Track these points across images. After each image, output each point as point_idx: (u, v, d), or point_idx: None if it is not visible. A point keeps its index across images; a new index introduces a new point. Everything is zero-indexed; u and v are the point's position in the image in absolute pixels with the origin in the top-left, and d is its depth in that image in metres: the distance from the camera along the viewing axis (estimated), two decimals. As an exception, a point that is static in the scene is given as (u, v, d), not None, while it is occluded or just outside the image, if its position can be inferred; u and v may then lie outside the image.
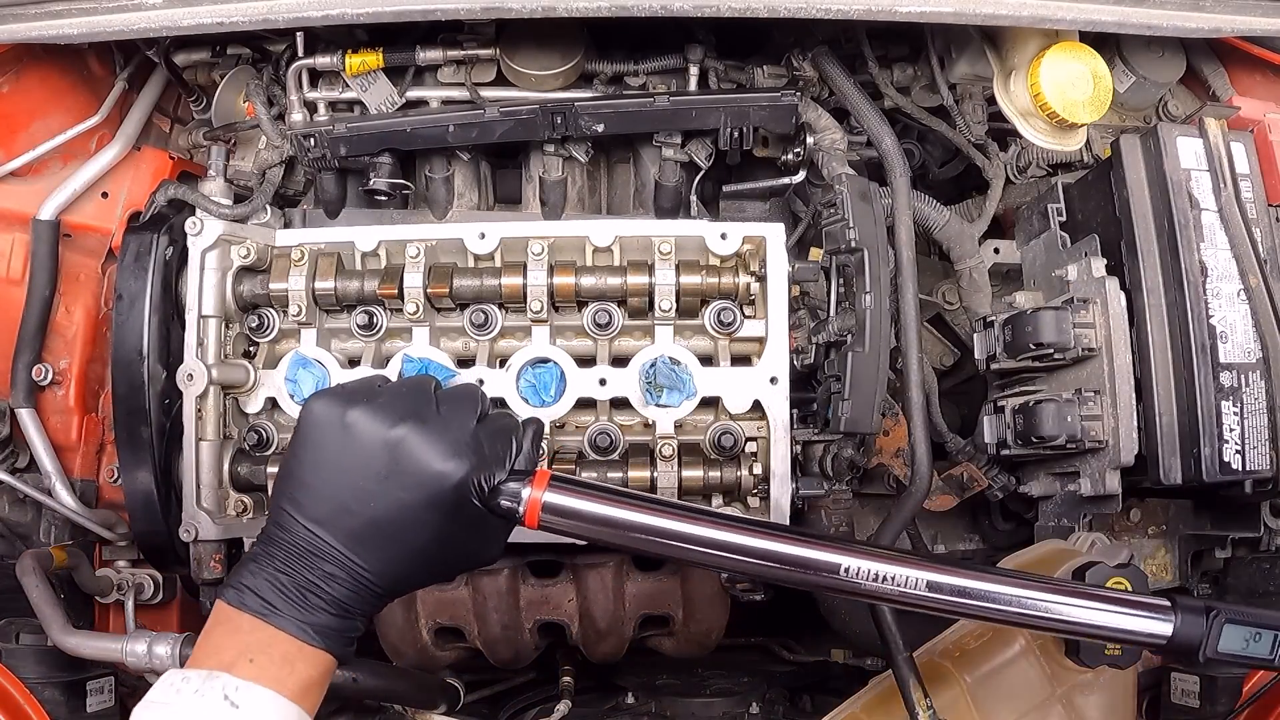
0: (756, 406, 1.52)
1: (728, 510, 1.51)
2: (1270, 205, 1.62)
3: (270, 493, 1.08)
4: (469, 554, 1.16)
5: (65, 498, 1.69)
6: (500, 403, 1.54)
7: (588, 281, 1.53)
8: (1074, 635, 1.22)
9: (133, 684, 1.74)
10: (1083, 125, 1.61)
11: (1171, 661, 1.41)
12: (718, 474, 1.50)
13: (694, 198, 1.83)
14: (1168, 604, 1.17)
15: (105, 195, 1.75)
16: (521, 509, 1.10)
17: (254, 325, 1.58)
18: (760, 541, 1.12)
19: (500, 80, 1.74)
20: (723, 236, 1.54)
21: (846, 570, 1.12)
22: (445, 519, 1.07)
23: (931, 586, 1.12)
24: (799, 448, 1.64)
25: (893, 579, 1.12)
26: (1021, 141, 1.72)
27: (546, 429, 1.52)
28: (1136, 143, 1.63)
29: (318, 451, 1.07)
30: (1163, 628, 1.16)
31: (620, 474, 1.49)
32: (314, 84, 1.75)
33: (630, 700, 1.93)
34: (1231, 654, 1.17)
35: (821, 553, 1.12)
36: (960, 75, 1.74)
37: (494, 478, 1.09)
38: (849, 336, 1.53)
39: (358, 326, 1.55)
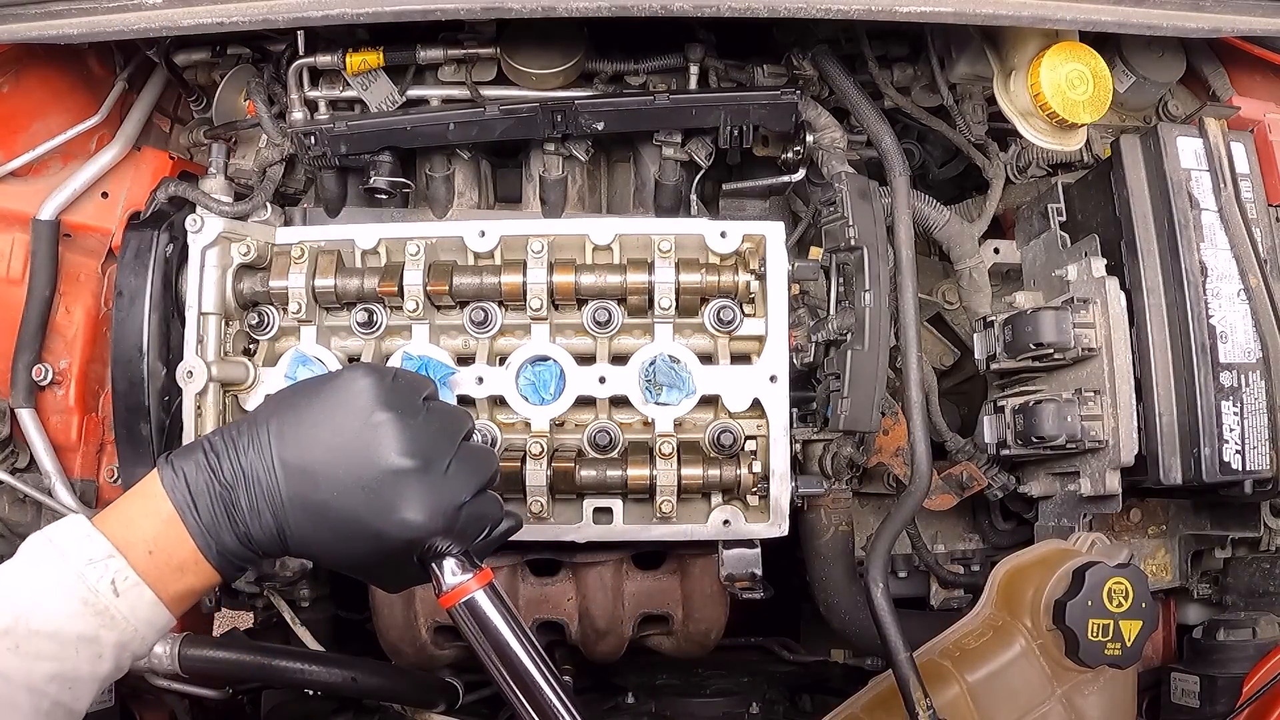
0: (756, 405, 1.52)
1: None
2: (1270, 205, 1.62)
3: (260, 415, 1.09)
4: (378, 577, 1.19)
5: (65, 498, 1.69)
6: (500, 401, 1.54)
7: (587, 280, 1.53)
8: None
9: (132, 683, 1.74)
10: (1083, 125, 1.61)
11: None
12: (717, 472, 1.50)
13: (694, 196, 1.84)
14: None
15: (105, 195, 1.75)
16: (445, 588, 1.11)
17: (254, 323, 1.58)
18: None
19: (500, 79, 1.74)
20: (722, 235, 1.54)
21: None
22: (382, 549, 1.07)
23: None
24: (798, 446, 1.64)
25: None
26: (1021, 141, 1.72)
27: (547, 427, 1.52)
28: (1136, 143, 1.63)
29: (331, 419, 1.06)
30: None
31: (619, 472, 1.49)
32: (314, 83, 1.75)
33: (630, 700, 1.92)
34: None
35: None
36: (960, 75, 1.74)
37: (449, 549, 1.09)
38: (848, 335, 1.53)
39: (358, 324, 1.55)
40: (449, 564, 1.11)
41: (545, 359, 1.54)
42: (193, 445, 1.08)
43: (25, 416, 1.68)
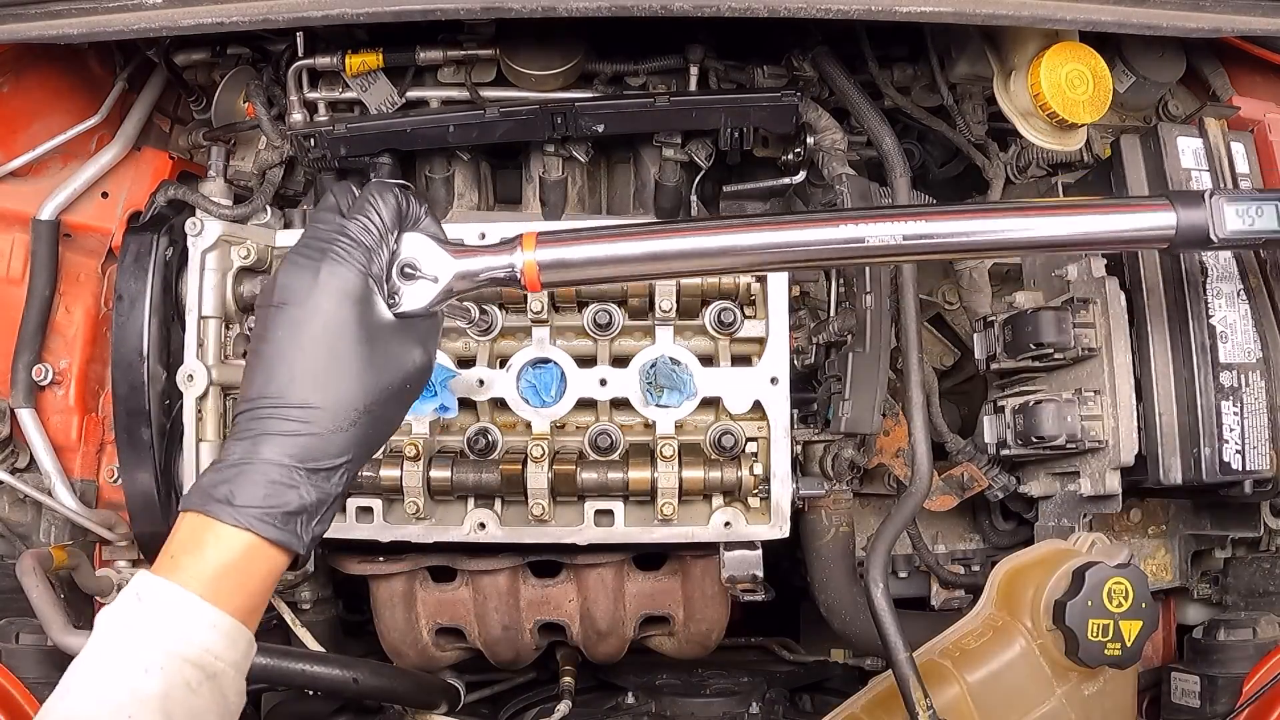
0: (757, 407, 1.52)
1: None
2: (1270, 205, 1.62)
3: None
4: (398, 365, 1.08)
5: (65, 498, 1.69)
6: (501, 403, 1.54)
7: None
8: (1083, 247, 1.20)
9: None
10: (1083, 125, 1.60)
11: (1184, 249, 1.30)
12: (718, 474, 1.50)
13: (694, 198, 1.83)
14: (1165, 200, 1.16)
15: (105, 195, 1.75)
16: (518, 273, 1.08)
17: (254, 326, 1.58)
18: (743, 237, 1.11)
19: (500, 80, 1.73)
20: (723, 236, 1.54)
21: (842, 240, 1.10)
22: (354, 327, 1.02)
23: (930, 229, 1.11)
24: (799, 448, 1.64)
25: (898, 234, 1.10)
26: (1021, 141, 1.72)
27: (547, 429, 1.52)
28: (1136, 143, 1.63)
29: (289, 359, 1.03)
30: (1166, 219, 1.14)
31: (621, 474, 1.49)
32: (314, 84, 1.75)
33: (630, 700, 1.93)
34: (1240, 233, 1.15)
35: (811, 231, 1.11)
36: (960, 75, 1.73)
37: (385, 259, 1.06)
38: (849, 336, 1.54)
39: (358, 326, 1.55)
40: (494, 263, 1.08)
41: (546, 361, 1.54)
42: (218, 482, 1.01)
43: (25, 416, 1.68)
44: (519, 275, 1.09)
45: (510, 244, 1.11)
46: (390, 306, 1.07)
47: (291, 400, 1.00)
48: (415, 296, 1.09)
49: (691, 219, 1.12)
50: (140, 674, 0.91)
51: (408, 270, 1.09)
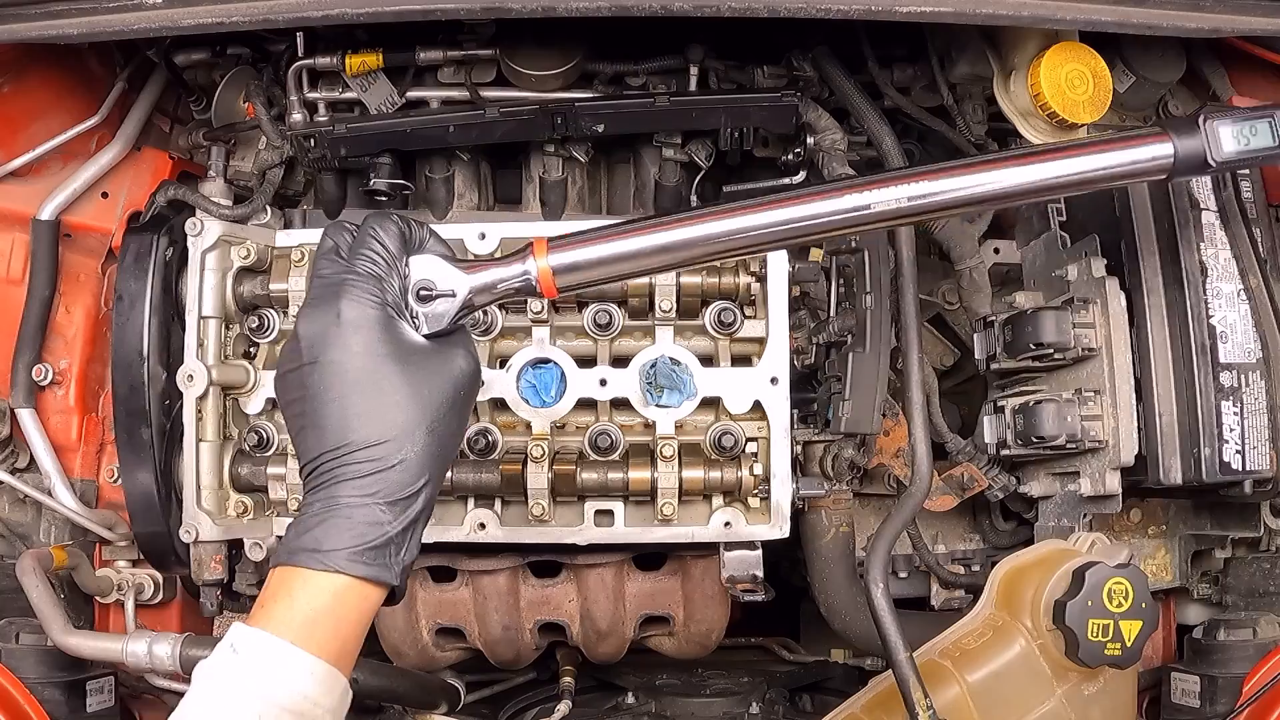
0: (757, 407, 1.52)
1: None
2: (1270, 205, 1.62)
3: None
4: (445, 377, 1.08)
5: (65, 498, 1.69)
6: (501, 404, 1.54)
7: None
8: (1082, 187, 1.19)
9: (132, 684, 1.74)
10: (1083, 125, 1.60)
11: (1184, 176, 1.28)
12: (718, 474, 1.50)
13: (694, 198, 1.83)
14: (1159, 129, 1.17)
15: (105, 195, 1.75)
16: (534, 280, 1.08)
17: (254, 326, 1.58)
18: (750, 218, 1.12)
19: (500, 80, 1.73)
20: (723, 237, 1.54)
21: (848, 209, 1.11)
22: (386, 352, 1.03)
23: (940, 191, 1.12)
24: (799, 448, 1.64)
25: (901, 196, 1.11)
26: (1022, 141, 1.72)
27: (547, 429, 1.52)
28: (1136, 143, 1.63)
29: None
30: (1163, 148, 1.16)
31: (621, 474, 1.49)
32: (314, 84, 1.75)
33: (630, 700, 1.93)
34: (1238, 153, 1.17)
35: (823, 203, 1.11)
36: (960, 75, 1.73)
37: (398, 286, 1.06)
38: (849, 337, 1.54)
39: (358, 327, 1.55)
40: (505, 273, 1.08)
41: (546, 361, 1.54)
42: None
43: (25, 416, 1.69)
44: (535, 283, 1.09)
45: (521, 253, 1.10)
46: (415, 329, 1.08)
47: (355, 444, 1.00)
48: (436, 317, 1.08)
49: (696, 207, 1.12)
50: None
51: (423, 292, 1.08)
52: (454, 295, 1.09)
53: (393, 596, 1.04)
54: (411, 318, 1.08)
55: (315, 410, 1.02)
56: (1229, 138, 1.18)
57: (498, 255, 1.55)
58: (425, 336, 1.08)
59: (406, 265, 1.09)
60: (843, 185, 1.13)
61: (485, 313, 1.55)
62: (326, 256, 1.09)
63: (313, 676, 0.96)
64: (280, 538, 1.03)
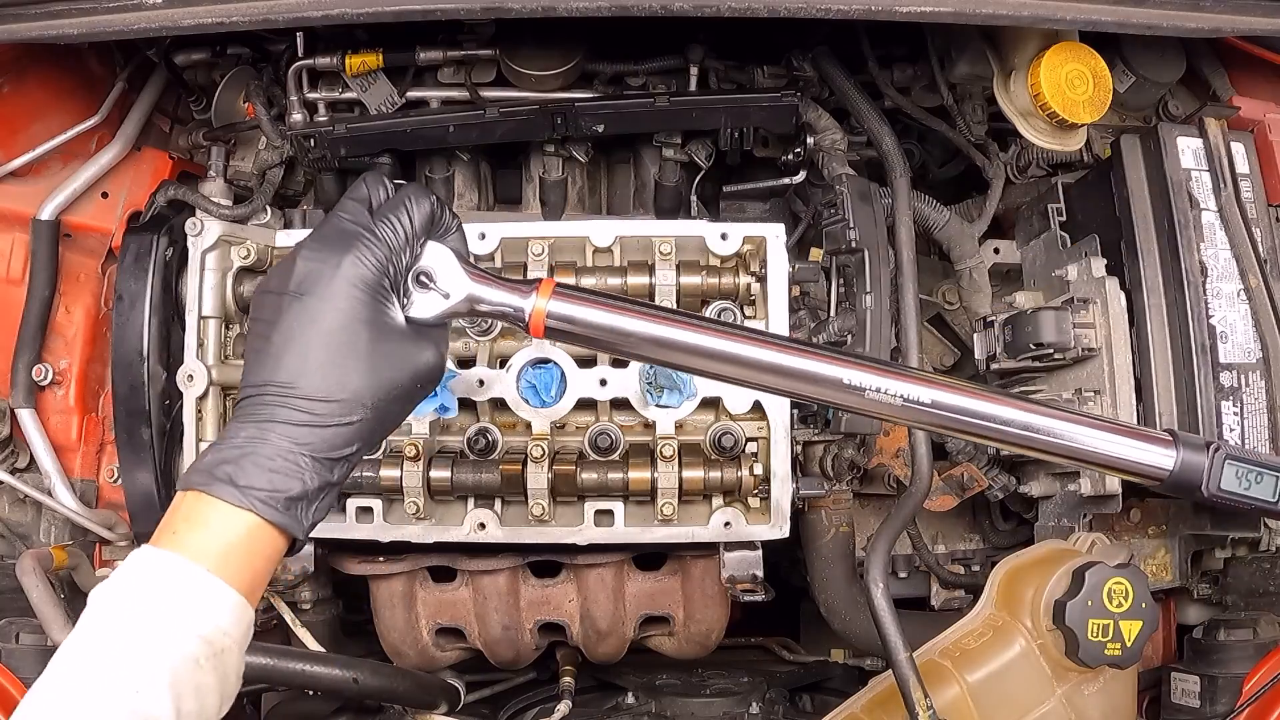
0: (757, 407, 1.52)
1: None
2: (1270, 205, 1.62)
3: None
4: (409, 366, 1.07)
5: (65, 498, 1.69)
6: (501, 404, 1.54)
7: (588, 282, 1.53)
8: (1077, 461, 1.18)
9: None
10: (1083, 125, 1.61)
11: (1172, 495, 1.30)
12: (718, 474, 1.50)
13: (694, 198, 1.83)
14: (1169, 437, 1.15)
15: (105, 195, 1.75)
16: (525, 316, 1.08)
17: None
18: (761, 352, 1.09)
19: (500, 80, 1.74)
20: (723, 237, 1.54)
21: (848, 384, 1.09)
22: (360, 323, 1.02)
23: (938, 404, 1.10)
24: (799, 448, 1.64)
25: (898, 394, 1.09)
26: (1021, 141, 1.72)
27: (547, 429, 1.52)
28: (1136, 143, 1.63)
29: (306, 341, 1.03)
30: (1165, 460, 1.13)
31: (621, 474, 1.49)
32: (314, 84, 1.75)
33: (630, 700, 1.92)
34: (1232, 493, 1.15)
35: (824, 365, 1.09)
36: (960, 75, 1.73)
37: (406, 263, 1.06)
38: (849, 337, 1.53)
39: (358, 327, 1.55)
40: (507, 301, 1.08)
41: (546, 361, 1.54)
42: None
43: (25, 416, 1.68)
44: (525, 319, 1.10)
45: (529, 286, 1.11)
46: (401, 309, 1.08)
47: (302, 391, 1.00)
48: (423, 306, 1.09)
49: (714, 320, 1.12)
50: (146, 647, 0.89)
51: (423, 279, 1.09)
52: (448, 297, 1.09)
53: (291, 549, 1.03)
54: (403, 295, 1.08)
55: (279, 341, 1.02)
56: (1230, 477, 1.14)
57: (497, 257, 1.56)
58: (406, 318, 1.08)
59: (422, 246, 1.09)
60: (855, 361, 1.09)
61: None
62: (356, 201, 1.08)
63: (225, 605, 0.94)
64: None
